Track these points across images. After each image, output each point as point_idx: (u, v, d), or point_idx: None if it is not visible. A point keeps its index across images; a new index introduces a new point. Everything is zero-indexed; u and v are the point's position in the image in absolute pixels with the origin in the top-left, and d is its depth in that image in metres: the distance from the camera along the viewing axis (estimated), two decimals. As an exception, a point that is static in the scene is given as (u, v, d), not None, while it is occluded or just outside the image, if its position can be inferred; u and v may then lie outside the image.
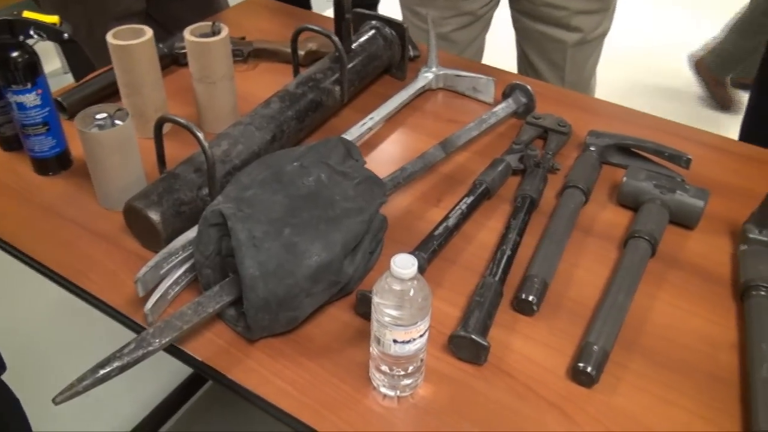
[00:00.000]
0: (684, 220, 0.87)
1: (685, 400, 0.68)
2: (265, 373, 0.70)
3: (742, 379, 0.70)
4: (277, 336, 0.73)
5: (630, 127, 1.05)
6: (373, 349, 0.65)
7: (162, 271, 0.74)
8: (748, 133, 1.22)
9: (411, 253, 0.78)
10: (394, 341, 0.62)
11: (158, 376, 1.57)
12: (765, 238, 0.82)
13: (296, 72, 1.06)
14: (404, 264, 0.59)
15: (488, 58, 1.49)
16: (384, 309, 0.61)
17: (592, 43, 1.44)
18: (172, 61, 1.16)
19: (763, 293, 0.76)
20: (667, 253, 0.85)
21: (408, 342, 0.62)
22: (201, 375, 1.53)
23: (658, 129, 1.05)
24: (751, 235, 0.83)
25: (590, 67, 1.49)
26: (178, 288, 0.76)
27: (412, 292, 0.61)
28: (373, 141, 1.03)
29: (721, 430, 0.66)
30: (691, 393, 0.69)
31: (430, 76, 1.12)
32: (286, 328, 0.72)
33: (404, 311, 0.61)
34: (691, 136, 1.05)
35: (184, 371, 1.57)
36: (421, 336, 0.63)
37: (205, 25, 0.99)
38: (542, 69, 1.47)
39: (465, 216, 0.86)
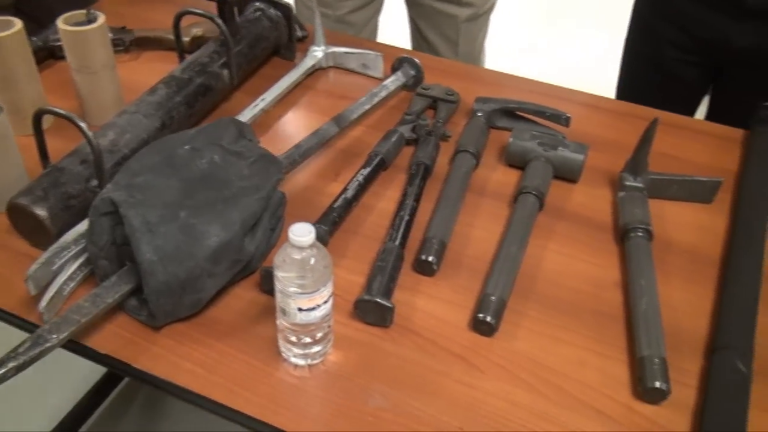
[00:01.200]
0: (567, 174, 0.93)
1: (578, 338, 0.73)
2: (173, 358, 0.69)
3: (626, 314, 0.76)
4: (183, 320, 0.72)
5: (514, 92, 1.10)
6: (280, 321, 0.66)
7: (54, 267, 0.72)
8: (622, 91, 1.31)
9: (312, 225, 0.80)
10: (299, 309, 0.63)
11: (64, 386, 1.50)
12: (639, 184, 0.89)
13: (182, 59, 1.04)
14: (302, 232, 0.60)
15: (380, 39, 1.52)
16: (286, 279, 0.62)
17: (483, 17, 1.50)
18: (48, 54, 1.11)
19: (640, 234, 0.82)
20: (555, 206, 0.90)
21: (313, 309, 0.63)
22: (112, 375, 1.49)
23: (539, 92, 1.10)
24: (627, 183, 0.89)
25: (480, 40, 1.55)
26: (73, 284, 0.74)
27: (312, 260, 0.62)
28: (267, 122, 1.03)
29: (611, 361, 0.71)
30: (582, 331, 0.74)
31: (319, 54, 1.13)
32: (191, 312, 0.72)
33: (306, 279, 0.62)
34: (569, 96, 1.11)
35: (93, 376, 1.51)
36: (325, 302, 0.64)
37: (79, 13, 0.95)
38: (437, 43, 1.51)
39: (363, 187, 0.87)
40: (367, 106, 1.00)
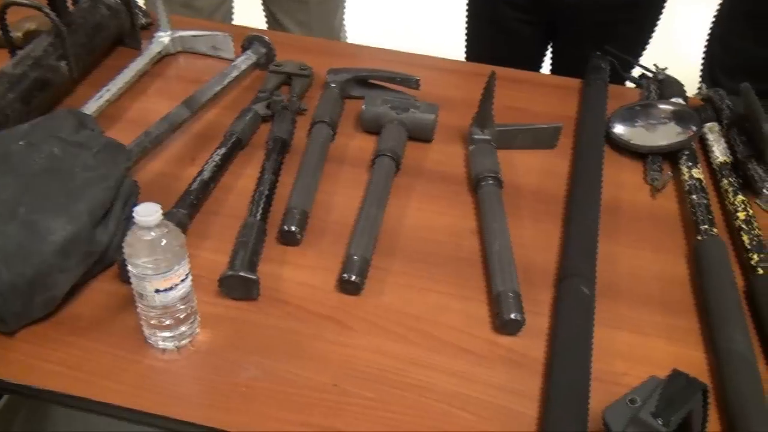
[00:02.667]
0: (421, 134, 0.96)
1: (441, 285, 0.77)
2: (32, 361, 0.66)
3: (483, 256, 0.80)
4: (40, 321, 0.69)
5: (368, 61, 1.12)
6: (139, 306, 0.65)
7: None
8: (470, 52, 1.36)
9: (169, 211, 0.78)
10: (156, 291, 0.62)
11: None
12: (488, 137, 0.94)
13: (13, 55, 0.98)
14: (147, 212, 0.59)
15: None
16: (138, 261, 0.61)
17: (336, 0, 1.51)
18: None
19: (491, 182, 0.87)
20: (412, 166, 0.93)
21: (170, 289, 0.62)
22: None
23: (392, 60, 1.13)
24: (476, 136, 0.94)
25: (338, 20, 1.55)
26: None
27: (163, 241, 0.61)
28: (116, 113, 0.99)
29: (472, 302, 0.75)
30: (443, 278, 0.78)
31: (165, 40, 1.10)
32: (46, 311, 0.69)
33: (160, 259, 0.61)
34: (420, 62, 1.15)
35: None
36: (182, 281, 0.63)
37: None
38: (291, 28, 1.50)
39: (220, 167, 0.87)
40: (218, 87, 0.99)
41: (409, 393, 0.66)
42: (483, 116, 0.93)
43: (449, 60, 1.17)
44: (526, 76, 1.15)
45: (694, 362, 0.71)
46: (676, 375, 0.58)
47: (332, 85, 1.02)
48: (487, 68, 1.13)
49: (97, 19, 1.04)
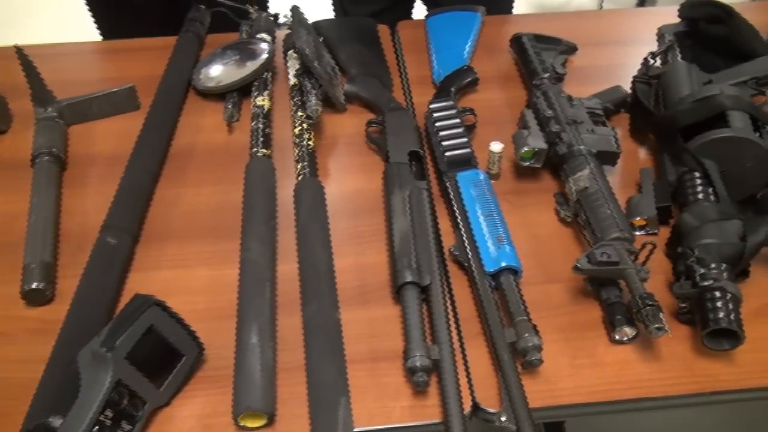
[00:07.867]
0: (-15, 128, 0.92)
1: (-21, 275, 0.74)
2: None
3: (27, 234, 0.78)
4: None
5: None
6: None
7: None
8: (104, 34, 1.33)
9: None
10: None
11: None
12: (53, 113, 0.91)
13: None
14: None
15: None
16: None
17: None
18: None
19: (45, 158, 0.84)
20: None
21: None
22: None
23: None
24: (39, 116, 0.91)
25: None
26: None
27: None
28: None
29: (8, 285, 0.73)
30: (-16, 267, 0.75)
31: None
32: None
33: None
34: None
35: None
36: None
37: None
38: None
39: None
40: None
41: None
42: (36, 93, 0.90)
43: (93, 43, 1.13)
44: (131, 44, 1.12)
45: (228, 279, 0.73)
46: (135, 298, 0.60)
47: None
48: (93, 45, 1.12)
49: None
